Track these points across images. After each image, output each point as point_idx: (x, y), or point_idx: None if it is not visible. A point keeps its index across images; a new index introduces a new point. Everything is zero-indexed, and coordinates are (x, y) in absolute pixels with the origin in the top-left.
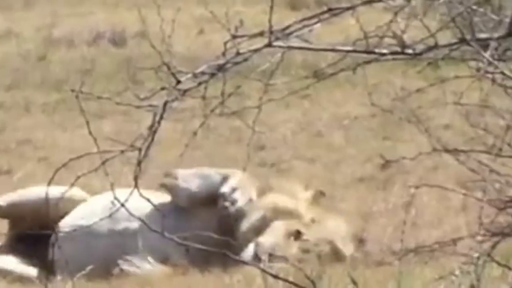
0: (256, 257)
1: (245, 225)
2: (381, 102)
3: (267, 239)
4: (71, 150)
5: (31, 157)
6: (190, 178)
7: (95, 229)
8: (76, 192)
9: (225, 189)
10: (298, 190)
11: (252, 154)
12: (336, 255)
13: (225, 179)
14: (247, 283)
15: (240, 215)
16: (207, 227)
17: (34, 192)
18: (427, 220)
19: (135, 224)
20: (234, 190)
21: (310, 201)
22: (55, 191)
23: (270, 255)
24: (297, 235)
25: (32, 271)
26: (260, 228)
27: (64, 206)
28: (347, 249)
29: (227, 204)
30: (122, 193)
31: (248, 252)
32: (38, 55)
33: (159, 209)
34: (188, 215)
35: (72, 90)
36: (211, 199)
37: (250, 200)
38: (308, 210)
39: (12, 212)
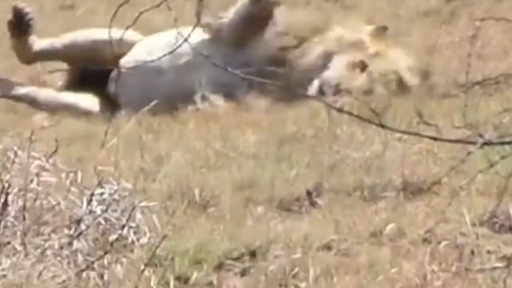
0: (321, 92)
1: (306, 60)
2: None
3: (331, 73)
4: None
5: None
6: (232, 11)
7: (158, 65)
8: (134, 35)
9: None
10: (360, 24)
11: None
12: (402, 85)
13: None
14: (311, 117)
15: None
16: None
17: (87, 33)
18: (493, 53)
19: (198, 60)
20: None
21: (372, 35)
22: (107, 34)
23: (336, 88)
24: (363, 66)
25: (95, 106)
26: (322, 63)
27: (122, 47)
28: (412, 80)
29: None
30: (182, 30)
31: (313, 87)
32: None
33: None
34: (246, 49)
35: None
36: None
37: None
38: (371, 44)
39: (69, 54)
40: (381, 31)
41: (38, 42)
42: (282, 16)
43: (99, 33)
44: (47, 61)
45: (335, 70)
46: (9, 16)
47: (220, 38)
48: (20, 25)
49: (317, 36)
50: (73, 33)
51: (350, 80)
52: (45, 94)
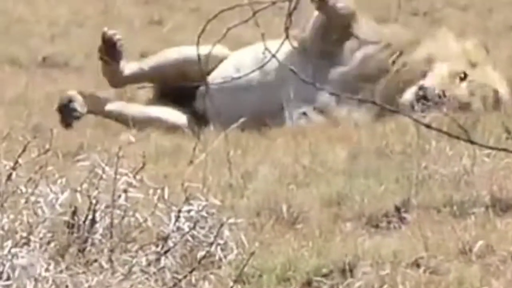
0: (418, 100)
1: (408, 64)
2: None
3: (431, 81)
4: (222, 0)
5: (182, 7)
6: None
7: (246, 80)
8: (221, 50)
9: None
10: (454, 39)
11: (404, 3)
12: (498, 100)
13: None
14: (400, 133)
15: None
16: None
17: (175, 52)
18: None
19: (286, 75)
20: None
21: (472, 49)
22: (194, 51)
23: (439, 96)
24: (463, 75)
25: (184, 120)
26: (424, 67)
27: (210, 63)
28: (506, 96)
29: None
30: (270, 44)
31: (406, 95)
32: None
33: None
34: (335, 62)
35: None
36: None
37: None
38: (472, 56)
39: (158, 75)
40: (482, 47)
41: (128, 66)
42: (373, 31)
43: (186, 51)
44: (137, 83)
45: (437, 78)
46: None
47: (307, 51)
48: (110, 53)
49: (412, 48)
50: (161, 53)
51: (451, 89)
52: (133, 109)
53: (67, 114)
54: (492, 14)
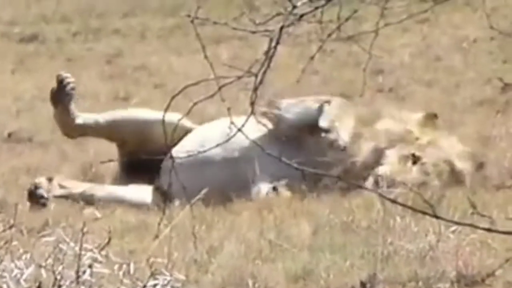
0: (376, 184)
1: (359, 158)
2: (500, 25)
3: (385, 169)
4: (187, 76)
5: (147, 83)
6: (292, 108)
7: (212, 155)
8: (186, 122)
9: (323, 123)
10: (408, 114)
11: (369, 79)
12: (455, 174)
13: (321, 109)
14: (366, 208)
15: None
16: (318, 154)
17: (134, 112)
18: None
19: (251, 150)
20: (332, 124)
21: (422, 124)
22: (154, 115)
23: (391, 183)
24: (414, 158)
25: (148, 197)
26: (375, 160)
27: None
28: (465, 166)
29: (331, 137)
30: (236, 120)
31: (368, 183)
32: None
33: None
34: (300, 142)
35: (188, 16)
36: (313, 130)
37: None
38: (421, 133)
39: (113, 132)
40: (430, 119)
41: (82, 116)
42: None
43: (146, 114)
44: (90, 136)
45: (388, 166)
46: None
47: (276, 130)
48: (60, 94)
49: (366, 129)
50: (119, 111)
51: (403, 174)
52: (100, 190)
53: (35, 200)
54: (458, 90)
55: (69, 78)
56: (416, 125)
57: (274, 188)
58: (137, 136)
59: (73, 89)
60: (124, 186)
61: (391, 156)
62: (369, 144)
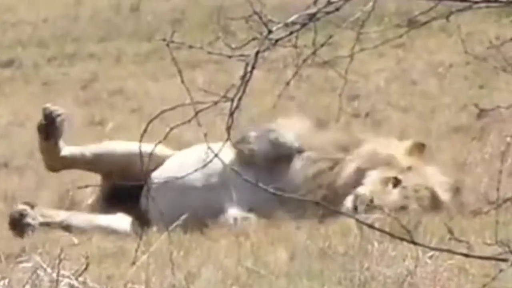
0: (355, 209)
1: (340, 178)
2: (476, 50)
3: (365, 190)
4: (163, 100)
5: (123, 108)
6: (263, 140)
7: (189, 180)
8: (163, 149)
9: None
10: (394, 140)
11: (345, 104)
12: (435, 201)
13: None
14: (343, 234)
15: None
16: (295, 179)
17: (119, 145)
18: None
19: (228, 176)
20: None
21: (408, 151)
22: (137, 147)
23: (369, 205)
24: (395, 182)
25: (127, 225)
26: (356, 180)
27: (152, 162)
28: (444, 196)
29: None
30: (213, 146)
31: (346, 203)
32: (130, 6)
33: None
34: (276, 168)
35: (164, 40)
36: (287, 156)
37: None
38: (404, 159)
39: (97, 164)
40: (418, 148)
41: (67, 148)
42: (311, 138)
43: (128, 146)
44: (73, 169)
45: (368, 186)
46: None
47: (251, 164)
48: (48, 128)
49: (349, 154)
50: (104, 144)
51: (383, 196)
52: (80, 218)
53: (21, 229)
54: (434, 116)
55: (58, 110)
56: (403, 152)
57: (246, 215)
58: (122, 167)
59: (63, 122)
60: (103, 214)
61: (373, 176)
62: (352, 165)
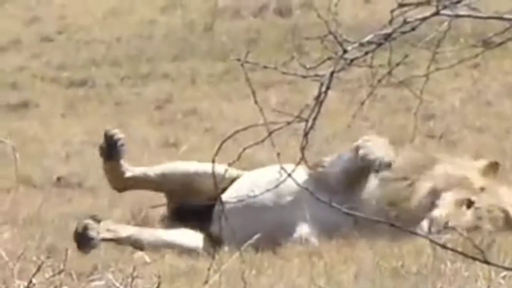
0: (430, 231)
1: (414, 199)
2: None
3: (440, 212)
4: (236, 121)
5: (196, 129)
6: (336, 163)
7: (262, 200)
8: (233, 170)
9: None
10: (468, 160)
11: (420, 124)
12: (509, 221)
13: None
14: (416, 254)
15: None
16: (369, 198)
17: (184, 164)
18: None
19: (301, 196)
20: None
21: (482, 171)
22: (202, 167)
23: (444, 226)
24: (469, 203)
25: (198, 242)
26: (430, 201)
27: (221, 183)
28: None
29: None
30: (286, 167)
31: (422, 227)
32: (204, 26)
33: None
34: (353, 191)
35: (238, 60)
36: (363, 175)
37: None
38: (478, 180)
39: (163, 184)
40: (493, 168)
41: (131, 169)
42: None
43: (196, 166)
44: (139, 189)
45: (443, 208)
46: None
47: (325, 187)
48: (110, 151)
49: (423, 174)
50: (169, 164)
51: (457, 217)
52: (147, 234)
53: (83, 242)
54: (509, 136)
55: (118, 134)
56: (476, 172)
57: (307, 234)
58: (186, 188)
59: (122, 145)
60: (172, 230)
61: (447, 198)
62: (427, 185)
